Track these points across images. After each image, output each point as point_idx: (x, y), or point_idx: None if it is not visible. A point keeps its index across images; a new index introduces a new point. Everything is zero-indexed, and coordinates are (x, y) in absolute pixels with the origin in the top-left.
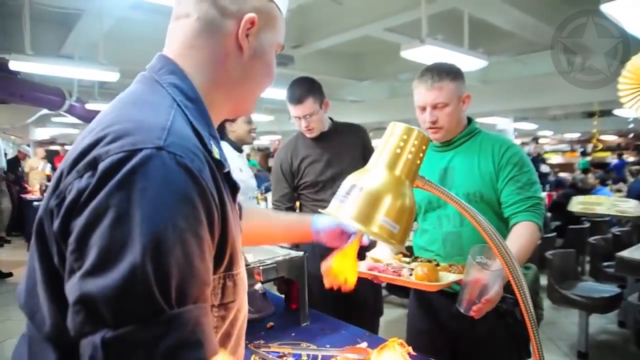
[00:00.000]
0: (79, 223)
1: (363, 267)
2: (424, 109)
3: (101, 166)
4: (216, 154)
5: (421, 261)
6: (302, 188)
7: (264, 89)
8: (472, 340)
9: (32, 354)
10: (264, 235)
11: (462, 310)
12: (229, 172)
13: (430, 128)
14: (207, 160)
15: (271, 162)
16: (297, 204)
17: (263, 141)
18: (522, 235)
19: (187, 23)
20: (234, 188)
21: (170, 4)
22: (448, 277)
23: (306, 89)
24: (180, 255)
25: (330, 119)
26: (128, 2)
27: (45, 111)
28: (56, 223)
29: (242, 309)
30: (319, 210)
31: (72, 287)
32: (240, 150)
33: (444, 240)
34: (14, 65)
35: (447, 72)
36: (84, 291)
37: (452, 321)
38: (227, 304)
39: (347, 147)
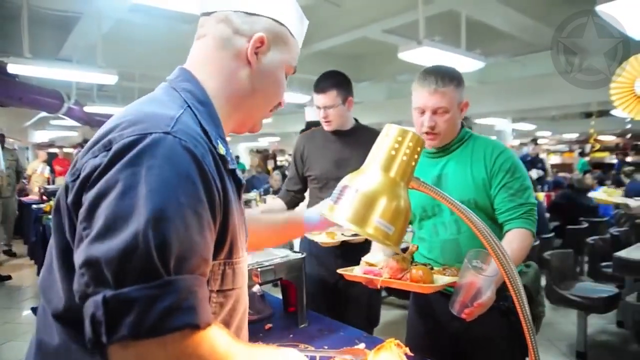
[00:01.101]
0: (90, 195)
1: (358, 271)
2: (422, 112)
3: (115, 147)
4: (221, 151)
5: (416, 264)
6: (309, 180)
7: (271, 106)
8: (473, 340)
9: (40, 334)
10: (256, 241)
11: (454, 312)
12: (234, 170)
13: (427, 133)
14: (212, 152)
15: (269, 164)
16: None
17: (262, 143)
18: (514, 241)
19: (205, 40)
20: (239, 184)
21: (168, 7)
22: (442, 280)
23: (333, 81)
24: (181, 228)
25: (356, 120)
26: (126, 4)
27: (43, 114)
28: (70, 197)
29: (241, 301)
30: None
31: (80, 253)
32: None
33: (442, 248)
34: (12, 68)
35: (450, 78)
36: (89, 254)
37: (453, 321)
38: (226, 291)
39: (361, 152)
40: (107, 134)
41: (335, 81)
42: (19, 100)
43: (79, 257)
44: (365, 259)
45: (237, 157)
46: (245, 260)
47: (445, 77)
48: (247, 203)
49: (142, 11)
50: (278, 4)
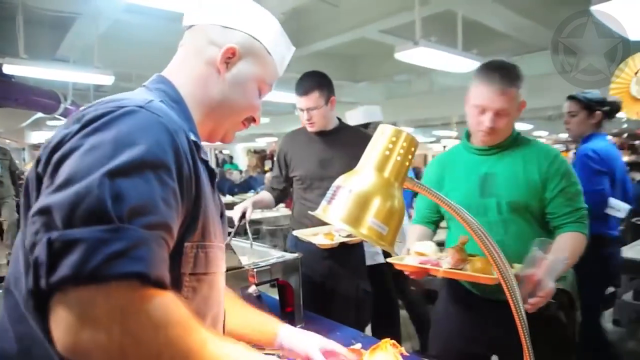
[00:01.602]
0: (55, 157)
1: (411, 261)
2: (483, 111)
3: (86, 117)
4: (193, 138)
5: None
6: (294, 180)
7: (241, 118)
8: (512, 347)
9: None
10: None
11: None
12: (207, 161)
13: (482, 131)
14: (185, 135)
15: (267, 165)
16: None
17: (259, 143)
18: (571, 244)
19: (182, 50)
20: (212, 173)
21: (164, 7)
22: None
23: (314, 82)
24: (141, 186)
25: (339, 119)
26: (122, 5)
27: (40, 115)
28: (40, 166)
29: (215, 291)
30: (309, 212)
31: (34, 207)
32: None
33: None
34: (8, 68)
35: (516, 76)
36: (43, 204)
37: (492, 328)
38: (199, 275)
39: (345, 151)
40: (82, 111)
41: (316, 82)
42: (15, 101)
43: (33, 209)
44: (415, 248)
45: (231, 157)
46: (220, 250)
47: (512, 76)
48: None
49: (139, 12)
50: (255, 21)
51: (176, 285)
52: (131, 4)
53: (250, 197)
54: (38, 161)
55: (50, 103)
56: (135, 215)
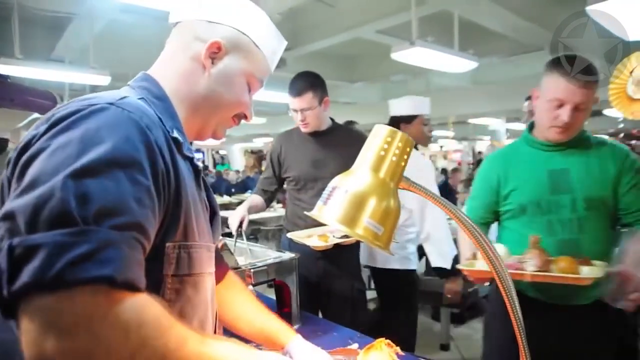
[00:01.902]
0: (22, 159)
1: (484, 266)
2: (560, 105)
3: (54, 117)
4: (175, 135)
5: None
6: (287, 181)
7: (231, 114)
8: (571, 355)
9: None
10: (234, 323)
11: (615, 304)
12: (192, 158)
13: (558, 127)
14: (164, 132)
15: (264, 165)
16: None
17: (256, 143)
18: None
19: (168, 46)
20: (196, 170)
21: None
22: (587, 271)
23: (308, 83)
24: (109, 186)
25: (332, 120)
26: (118, 5)
27: (36, 115)
28: (9, 169)
29: (201, 291)
30: (305, 212)
31: (1, 211)
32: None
33: (558, 249)
34: (4, 69)
35: (596, 71)
36: (7, 208)
37: (550, 335)
38: (182, 276)
39: (338, 152)
40: (53, 112)
41: (309, 83)
42: (10, 102)
43: None
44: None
45: (222, 158)
46: (207, 250)
47: (593, 69)
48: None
49: (135, 12)
50: (242, 15)
51: (157, 287)
52: (127, 4)
53: (247, 198)
54: (8, 163)
55: (46, 103)
56: (103, 216)
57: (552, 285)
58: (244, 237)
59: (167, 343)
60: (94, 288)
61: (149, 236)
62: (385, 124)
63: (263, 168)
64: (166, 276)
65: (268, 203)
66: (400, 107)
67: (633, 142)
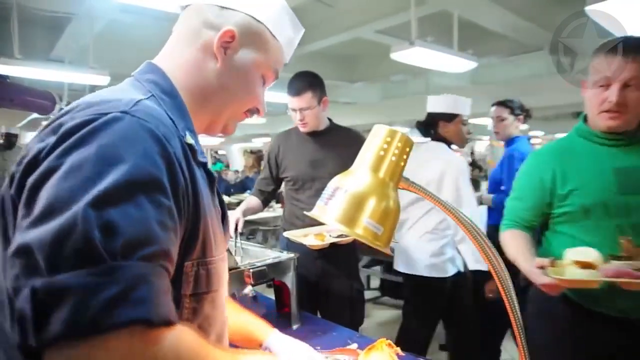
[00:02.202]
0: (31, 179)
1: (587, 275)
2: (607, 85)
3: (63, 128)
4: (189, 140)
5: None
6: (285, 181)
7: (243, 108)
8: None
9: None
10: None
11: None
12: (205, 163)
13: (609, 111)
14: (179, 138)
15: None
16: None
17: (256, 143)
18: None
19: (175, 33)
20: (211, 178)
21: (159, 7)
22: None
23: (307, 82)
24: (133, 212)
25: (330, 120)
26: (118, 5)
27: (35, 115)
28: (14, 186)
29: (218, 306)
30: (304, 212)
31: (12, 244)
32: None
33: None
34: (3, 69)
35: None
36: (21, 242)
37: (611, 343)
38: (200, 294)
39: (336, 152)
40: (59, 119)
41: (309, 82)
42: (10, 102)
43: (11, 247)
44: (572, 257)
45: (217, 160)
46: (223, 260)
47: (638, 43)
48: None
49: (134, 12)
50: (257, 1)
51: (175, 308)
52: (126, 4)
53: (245, 198)
54: (12, 179)
55: (45, 104)
56: (130, 248)
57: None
58: (239, 237)
59: None
60: (130, 330)
61: (173, 261)
62: (420, 121)
63: (262, 168)
64: (184, 296)
65: (265, 204)
66: (442, 104)
67: None
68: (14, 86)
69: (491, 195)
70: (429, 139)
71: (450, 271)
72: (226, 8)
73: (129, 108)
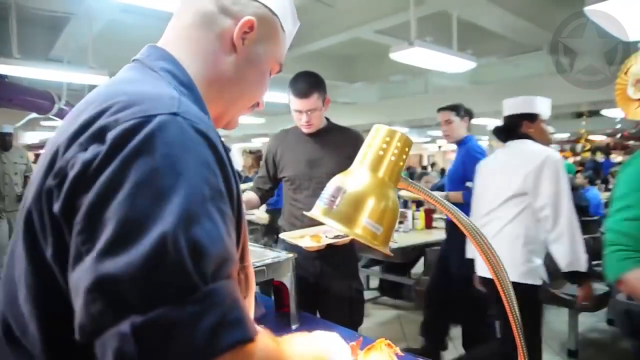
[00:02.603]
0: (88, 198)
1: None
2: None
3: (111, 135)
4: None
5: None
6: (283, 181)
7: (251, 102)
8: None
9: None
10: None
11: None
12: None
13: None
14: (218, 136)
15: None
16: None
17: (255, 143)
18: None
19: (184, 16)
20: (238, 176)
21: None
22: None
23: (312, 83)
24: (210, 227)
25: (327, 119)
26: (117, 5)
27: (34, 115)
28: (57, 205)
29: (250, 309)
30: (303, 212)
31: (83, 274)
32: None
33: None
34: (2, 69)
35: None
36: (101, 273)
37: None
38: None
39: (334, 151)
40: (95, 120)
41: (314, 84)
42: (9, 102)
43: (81, 279)
44: None
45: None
46: (252, 266)
47: None
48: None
49: (134, 12)
50: None
51: None
52: (126, 3)
53: (244, 193)
54: (49, 195)
55: (44, 103)
56: (217, 269)
57: None
58: None
59: None
60: (234, 351)
61: (237, 264)
62: (499, 126)
63: (260, 167)
64: None
65: (262, 200)
66: (523, 105)
67: (631, 142)
68: (12, 86)
69: (460, 192)
70: (509, 141)
71: (540, 279)
72: None
73: (177, 109)
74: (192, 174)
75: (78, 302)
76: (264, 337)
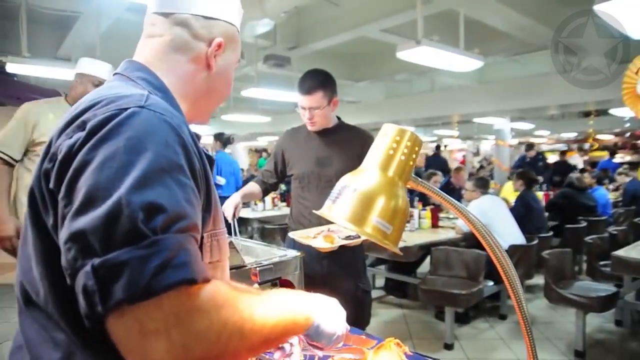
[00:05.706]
0: (68, 174)
1: None
2: None
3: (90, 124)
4: (194, 130)
5: None
6: (292, 179)
7: (222, 101)
8: None
9: (37, 343)
10: None
11: None
12: (204, 149)
13: None
14: (186, 125)
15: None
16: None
17: (260, 142)
18: None
19: (160, 41)
20: (210, 160)
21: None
22: None
23: (318, 82)
24: (165, 193)
25: (338, 118)
26: (124, 4)
27: None
28: (52, 181)
29: (225, 276)
30: (313, 211)
31: (64, 231)
32: None
33: None
34: (11, 67)
35: None
36: (74, 228)
37: None
38: (214, 262)
39: (343, 150)
40: (80, 116)
41: (320, 82)
42: (17, 100)
43: (63, 234)
44: None
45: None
46: (224, 234)
47: None
48: (246, 203)
49: (141, 10)
50: (231, 7)
51: None
52: (133, 2)
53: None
54: (46, 175)
55: None
56: (167, 224)
57: None
58: (236, 226)
59: (242, 315)
60: (178, 290)
61: (199, 232)
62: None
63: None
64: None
65: (265, 193)
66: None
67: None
68: (21, 84)
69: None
70: None
71: None
72: (211, 18)
73: (144, 103)
74: (151, 152)
75: (62, 252)
76: (219, 283)
